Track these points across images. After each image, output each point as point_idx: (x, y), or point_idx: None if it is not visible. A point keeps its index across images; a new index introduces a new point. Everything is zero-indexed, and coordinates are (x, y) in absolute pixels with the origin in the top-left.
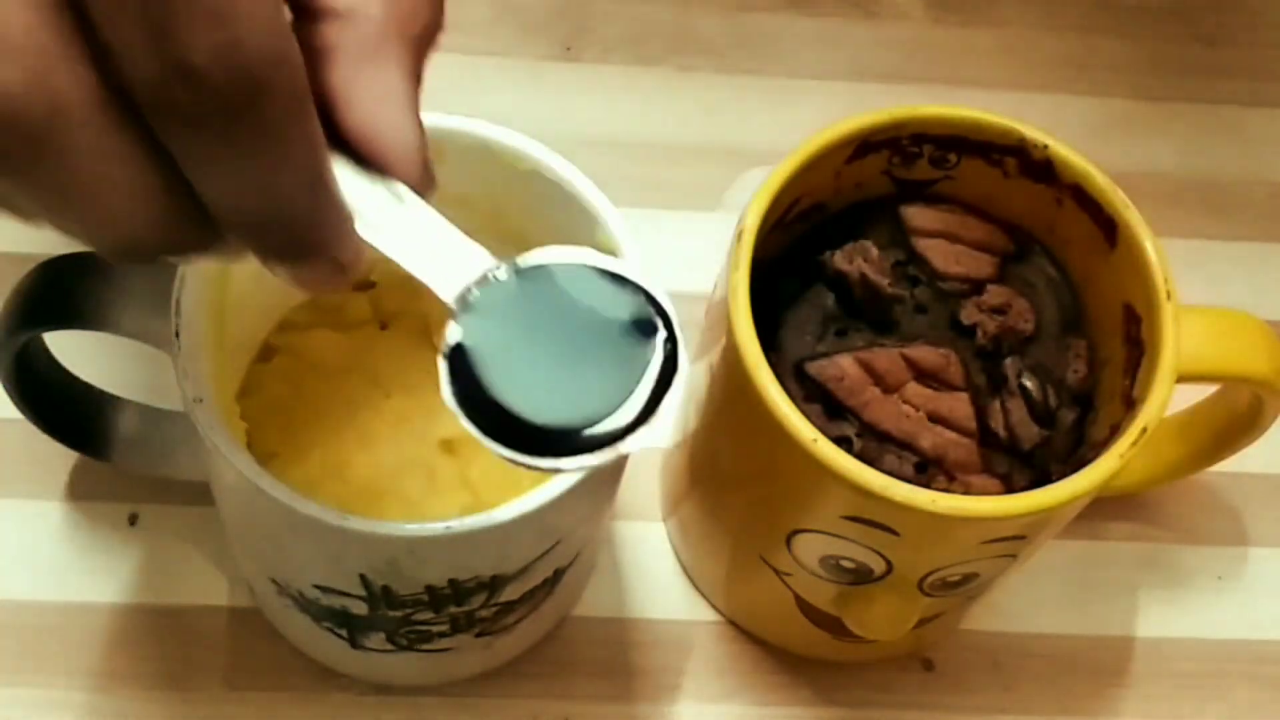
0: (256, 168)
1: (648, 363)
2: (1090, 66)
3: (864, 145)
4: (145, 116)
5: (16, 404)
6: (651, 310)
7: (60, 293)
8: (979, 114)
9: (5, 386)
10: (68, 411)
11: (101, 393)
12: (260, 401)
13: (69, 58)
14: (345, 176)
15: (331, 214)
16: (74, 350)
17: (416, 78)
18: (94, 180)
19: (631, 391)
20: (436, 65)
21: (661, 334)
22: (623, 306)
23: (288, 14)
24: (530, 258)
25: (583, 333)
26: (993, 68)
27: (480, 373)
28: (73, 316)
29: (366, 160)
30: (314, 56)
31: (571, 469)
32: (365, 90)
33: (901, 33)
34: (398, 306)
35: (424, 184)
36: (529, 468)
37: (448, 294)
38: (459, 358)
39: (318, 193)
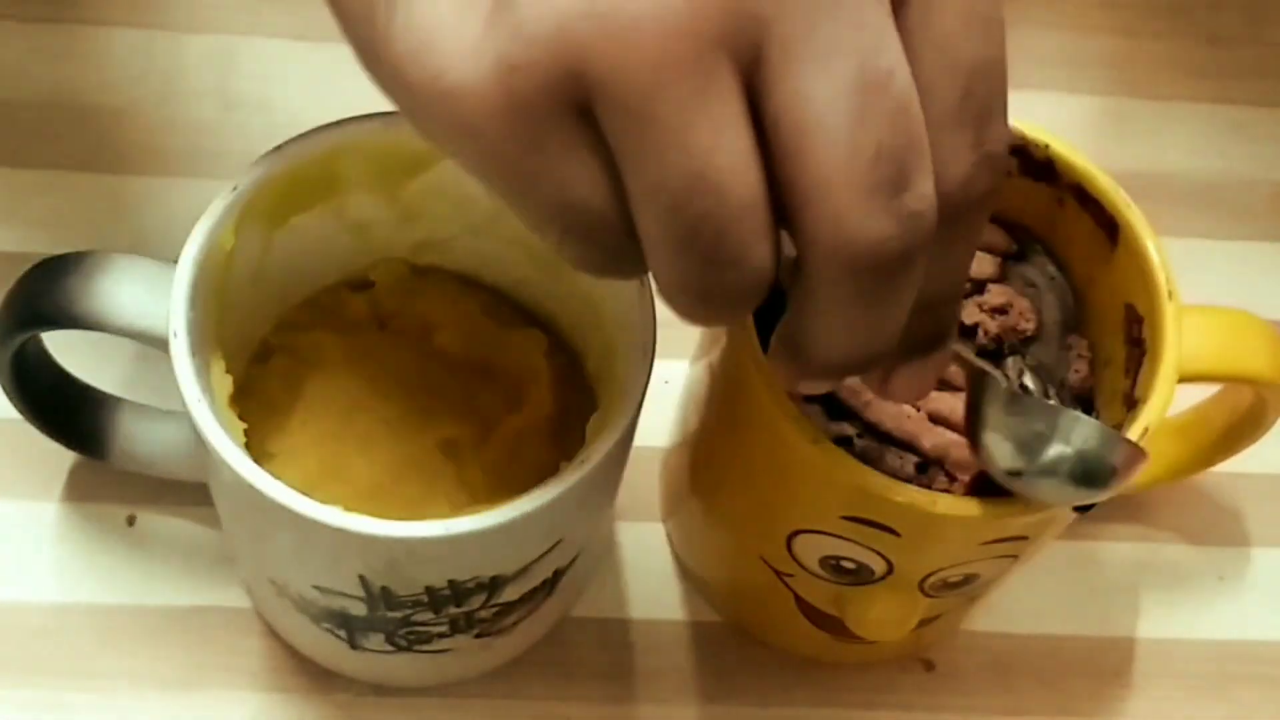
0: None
1: None
2: (1092, 65)
3: None
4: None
5: (15, 404)
6: None
7: (57, 293)
8: None
9: (3, 387)
10: (66, 412)
11: (100, 393)
12: (258, 402)
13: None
14: None
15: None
16: (72, 350)
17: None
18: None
19: None
20: None
21: None
22: None
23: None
24: None
25: None
26: None
27: None
28: (70, 317)
29: None
30: None
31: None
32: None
33: None
34: (396, 307)
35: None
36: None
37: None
38: None
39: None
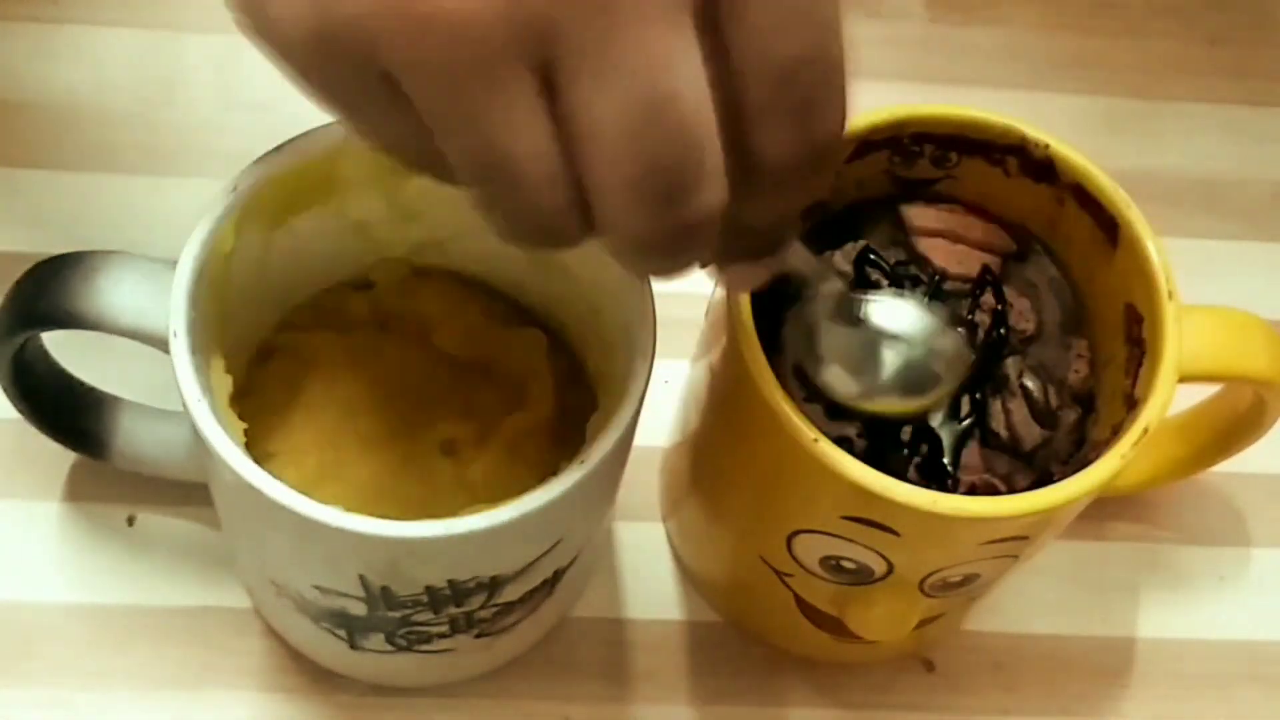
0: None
1: None
2: (1091, 66)
3: (865, 144)
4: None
5: (15, 404)
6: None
7: (57, 293)
8: (980, 113)
9: (4, 387)
10: (66, 412)
11: (100, 393)
12: (259, 402)
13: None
14: None
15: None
16: (73, 350)
17: None
18: None
19: None
20: None
21: None
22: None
23: None
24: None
25: None
26: (994, 67)
27: None
28: (70, 317)
29: None
30: None
31: None
32: None
33: (902, 32)
34: (396, 307)
35: None
36: None
37: None
38: None
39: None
